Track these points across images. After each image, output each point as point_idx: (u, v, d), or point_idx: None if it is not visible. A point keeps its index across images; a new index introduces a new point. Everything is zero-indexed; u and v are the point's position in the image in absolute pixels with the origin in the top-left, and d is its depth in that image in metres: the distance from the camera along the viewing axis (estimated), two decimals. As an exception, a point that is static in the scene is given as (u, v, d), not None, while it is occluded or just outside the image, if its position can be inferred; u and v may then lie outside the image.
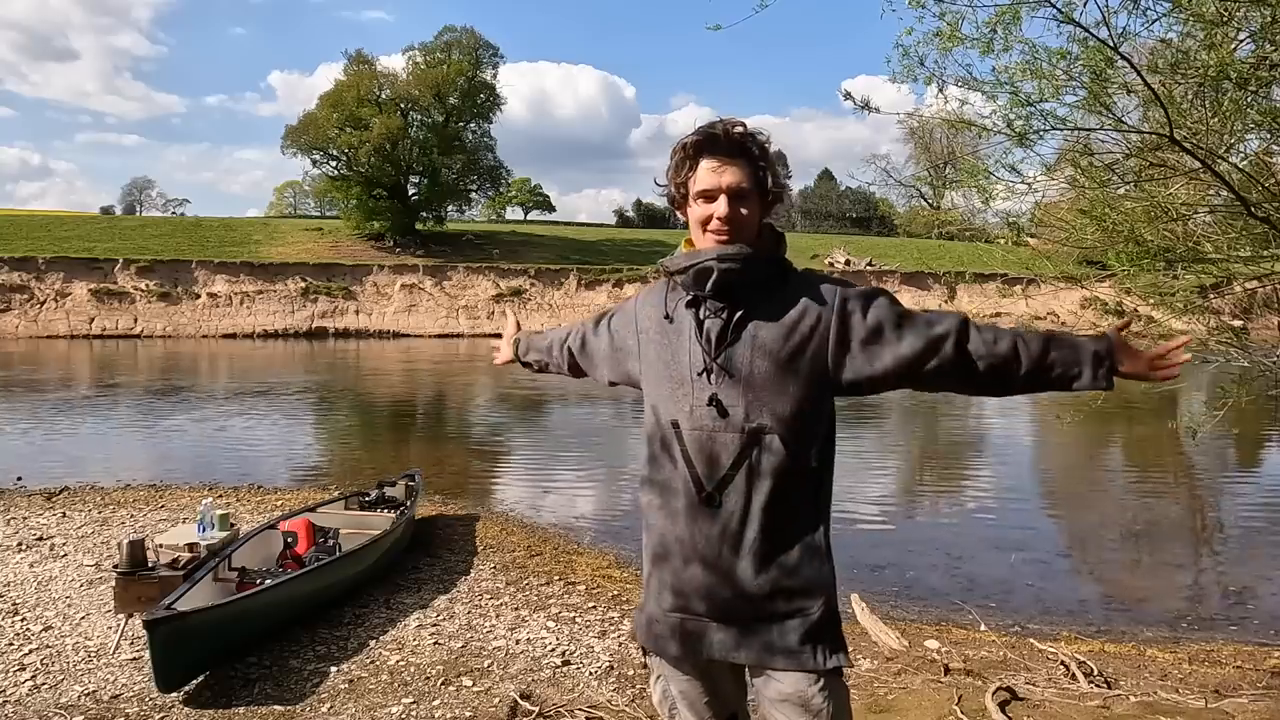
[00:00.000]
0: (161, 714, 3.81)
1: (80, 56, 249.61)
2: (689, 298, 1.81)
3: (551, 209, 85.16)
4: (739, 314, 1.75)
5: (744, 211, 1.76)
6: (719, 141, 1.76)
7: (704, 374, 1.75)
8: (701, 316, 1.78)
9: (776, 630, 1.73)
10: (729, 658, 1.77)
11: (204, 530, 4.99)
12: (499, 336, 2.52)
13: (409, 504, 6.59)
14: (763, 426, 1.71)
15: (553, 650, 4.62)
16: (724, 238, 1.76)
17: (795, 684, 1.73)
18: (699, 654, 1.79)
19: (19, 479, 8.96)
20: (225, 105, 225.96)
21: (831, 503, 1.84)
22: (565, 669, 4.40)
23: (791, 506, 1.73)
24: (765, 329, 1.74)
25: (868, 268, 40.07)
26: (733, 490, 1.72)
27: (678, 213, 1.88)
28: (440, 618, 5.09)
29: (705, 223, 1.78)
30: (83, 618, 4.89)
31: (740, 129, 1.77)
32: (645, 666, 1.95)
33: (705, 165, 1.76)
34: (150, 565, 4.49)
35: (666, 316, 1.85)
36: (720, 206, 1.75)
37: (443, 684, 4.18)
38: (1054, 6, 2.65)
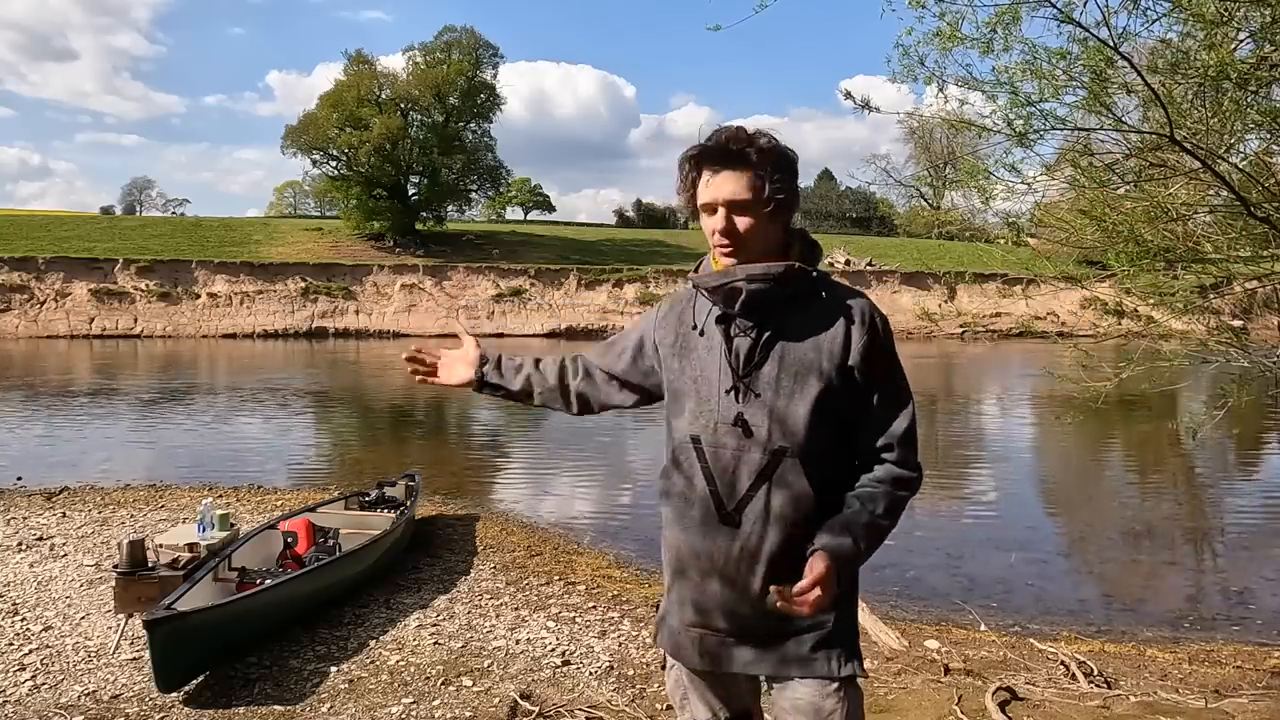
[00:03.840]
0: (161, 714, 3.80)
1: (79, 56, 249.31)
2: (719, 314, 1.78)
3: (551, 209, 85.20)
4: (768, 333, 1.73)
5: (744, 223, 1.72)
6: (716, 151, 1.71)
7: (731, 392, 1.73)
8: (731, 334, 1.76)
9: (793, 642, 1.75)
10: (748, 670, 1.80)
11: (204, 530, 4.99)
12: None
13: (409, 504, 6.59)
14: (783, 448, 1.70)
15: (553, 650, 4.62)
16: (726, 251, 1.74)
17: (809, 691, 1.76)
18: (720, 667, 1.81)
19: (19, 479, 8.96)
20: (224, 105, 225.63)
21: None
22: (565, 669, 4.40)
23: (809, 526, 1.72)
24: (792, 349, 1.72)
25: (868, 268, 40.06)
26: (751, 510, 1.71)
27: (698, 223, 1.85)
28: (440, 618, 5.09)
29: (711, 235, 1.75)
30: (83, 618, 4.89)
31: (739, 134, 1.71)
32: (662, 665, 1.97)
33: (705, 177, 1.73)
34: (150, 565, 4.49)
35: (698, 330, 1.82)
36: (719, 220, 1.72)
37: (443, 684, 4.18)
38: (1054, 6, 2.65)
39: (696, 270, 1.87)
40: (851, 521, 1.69)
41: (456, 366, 2.06)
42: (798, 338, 1.72)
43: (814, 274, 1.76)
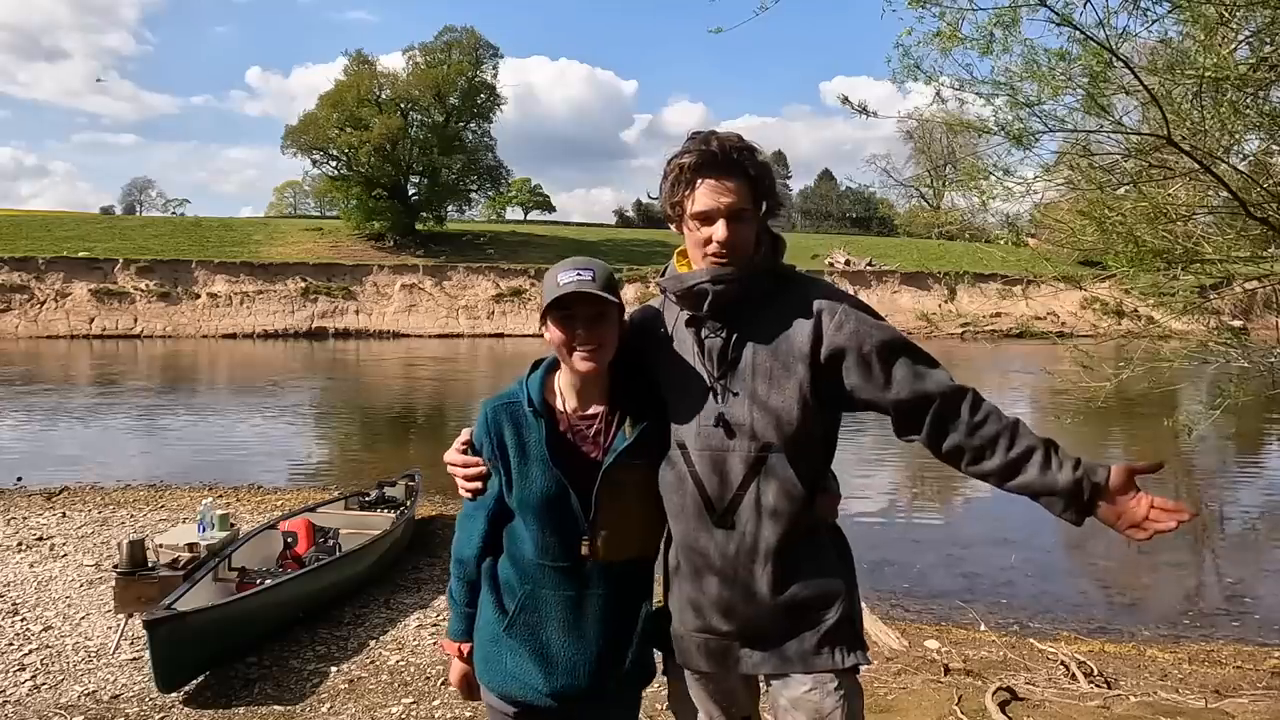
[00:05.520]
0: (161, 714, 3.81)
1: (71, 56, 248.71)
2: (688, 317, 1.77)
3: (551, 209, 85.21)
4: (737, 333, 1.73)
5: (742, 233, 1.71)
6: (716, 161, 1.68)
7: (709, 394, 1.73)
8: (702, 336, 1.76)
9: (796, 640, 1.74)
10: (753, 671, 1.79)
11: (204, 530, 4.99)
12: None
13: (409, 504, 6.59)
14: (769, 444, 1.70)
15: (553, 650, 4.61)
16: (722, 260, 1.71)
17: (809, 688, 1.74)
18: (727, 670, 1.79)
19: (19, 479, 8.96)
20: (211, 105, 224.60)
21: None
22: (565, 669, 4.39)
23: (803, 518, 1.72)
24: (763, 346, 1.72)
25: (868, 268, 40.05)
26: (744, 509, 1.71)
27: (673, 228, 1.82)
28: (440, 618, 5.09)
29: (704, 244, 1.72)
30: (83, 618, 4.89)
31: (736, 143, 1.70)
32: (662, 672, 1.93)
33: (703, 187, 1.69)
34: (150, 565, 4.49)
35: (668, 335, 1.81)
36: (719, 230, 1.69)
37: (443, 684, 4.17)
38: (1050, 9, 2.65)
39: (663, 275, 1.86)
40: (1045, 454, 1.69)
41: None
42: (767, 334, 1.72)
43: (775, 272, 1.77)
